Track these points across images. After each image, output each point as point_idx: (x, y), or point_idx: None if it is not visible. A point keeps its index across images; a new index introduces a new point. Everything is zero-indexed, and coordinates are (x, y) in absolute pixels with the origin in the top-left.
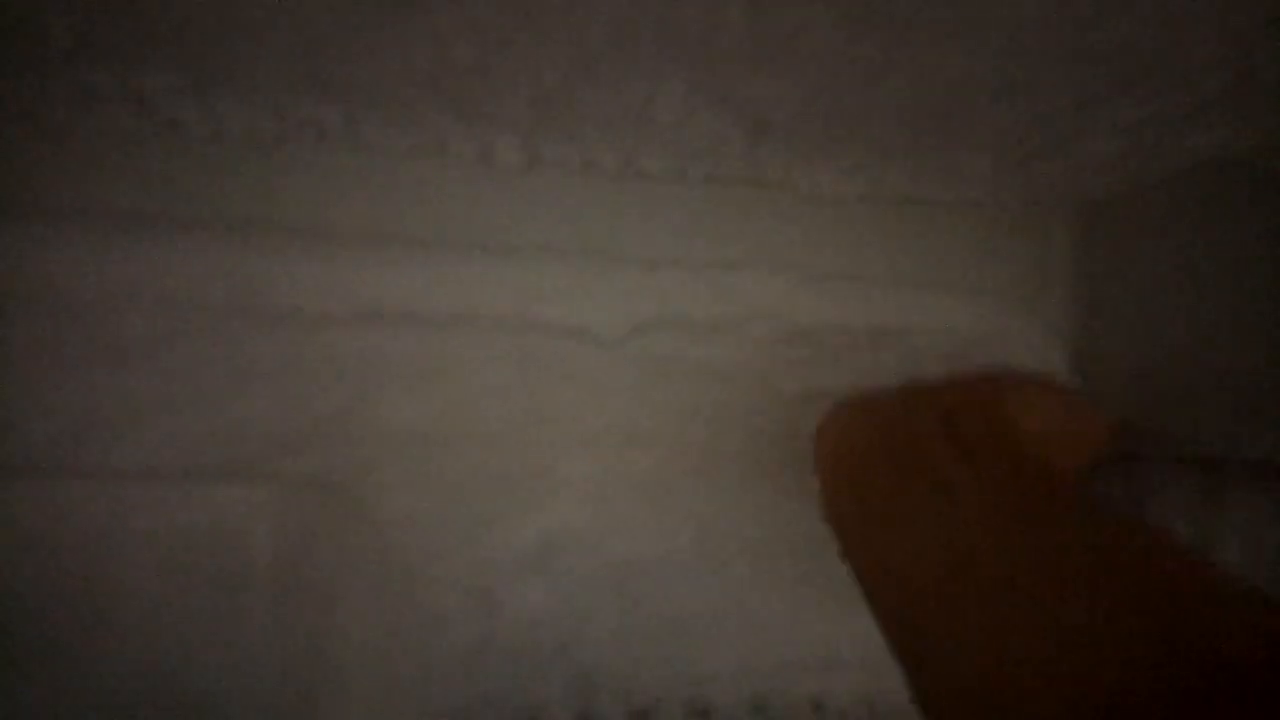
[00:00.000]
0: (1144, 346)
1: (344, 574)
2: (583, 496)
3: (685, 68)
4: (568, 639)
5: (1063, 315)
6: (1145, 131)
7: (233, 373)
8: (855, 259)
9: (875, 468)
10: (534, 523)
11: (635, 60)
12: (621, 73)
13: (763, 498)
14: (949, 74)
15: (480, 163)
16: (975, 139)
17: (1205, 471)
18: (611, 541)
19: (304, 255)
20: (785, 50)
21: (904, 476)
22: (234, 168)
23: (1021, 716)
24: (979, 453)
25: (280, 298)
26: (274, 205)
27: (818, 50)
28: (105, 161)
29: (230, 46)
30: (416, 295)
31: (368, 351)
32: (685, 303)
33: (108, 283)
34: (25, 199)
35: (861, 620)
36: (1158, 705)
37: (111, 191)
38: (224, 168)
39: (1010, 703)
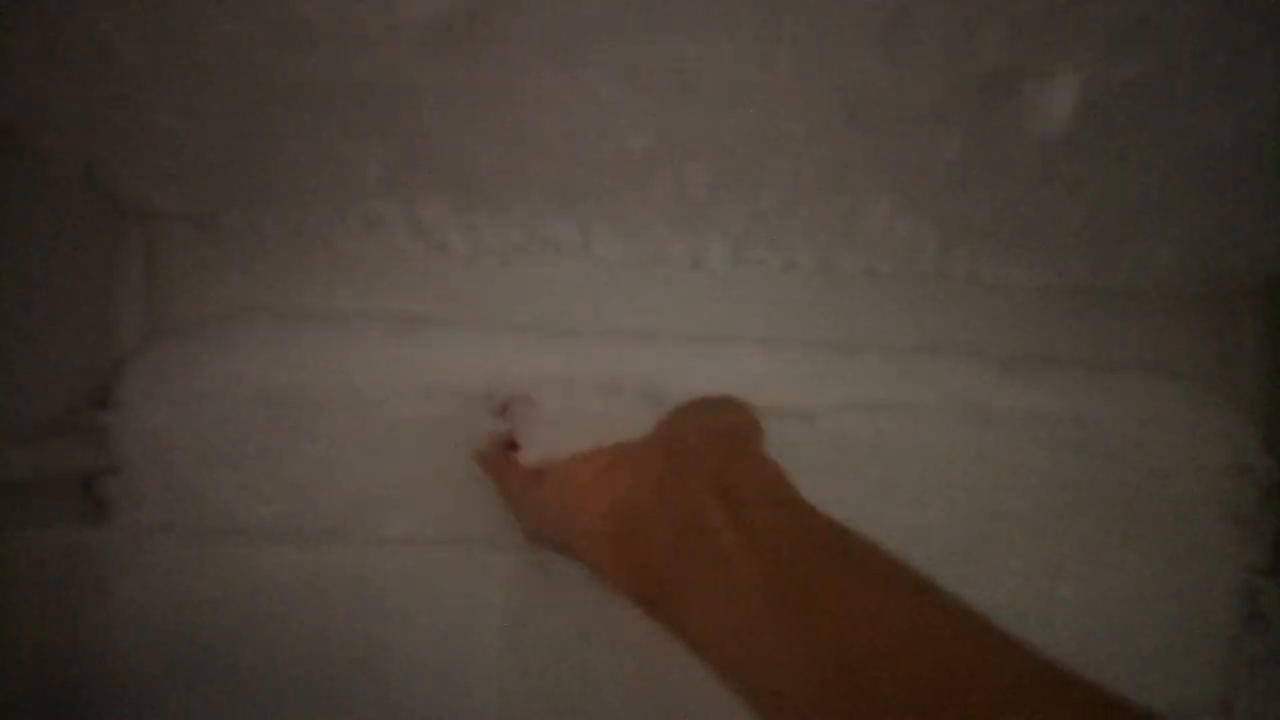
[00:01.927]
0: None
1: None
2: None
3: (891, 188)
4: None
5: (1255, 395)
6: None
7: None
8: (1042, 344)
9: (656, 535)
10: None
11: (847, 182)
12: (831, 192)
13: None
14: (1143, 186)
15: (693, 267)
16: (1162, 235)
17: None
18: None
19: (544, 348)
20: (991, 172)
21: (683, 544)
22: (488, 278)
23: None
24: (753, 513)
25: (508, 384)
26: (520, 308)
27: (1021, 171)
28: (386, 277)
29: (493, 175)
30: (647, 380)
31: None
32: (877, 386)
33: (387, 377)
34: (322, 309)
35: None
36: None
37: (389, 301)
38: (480, 279)
39: None
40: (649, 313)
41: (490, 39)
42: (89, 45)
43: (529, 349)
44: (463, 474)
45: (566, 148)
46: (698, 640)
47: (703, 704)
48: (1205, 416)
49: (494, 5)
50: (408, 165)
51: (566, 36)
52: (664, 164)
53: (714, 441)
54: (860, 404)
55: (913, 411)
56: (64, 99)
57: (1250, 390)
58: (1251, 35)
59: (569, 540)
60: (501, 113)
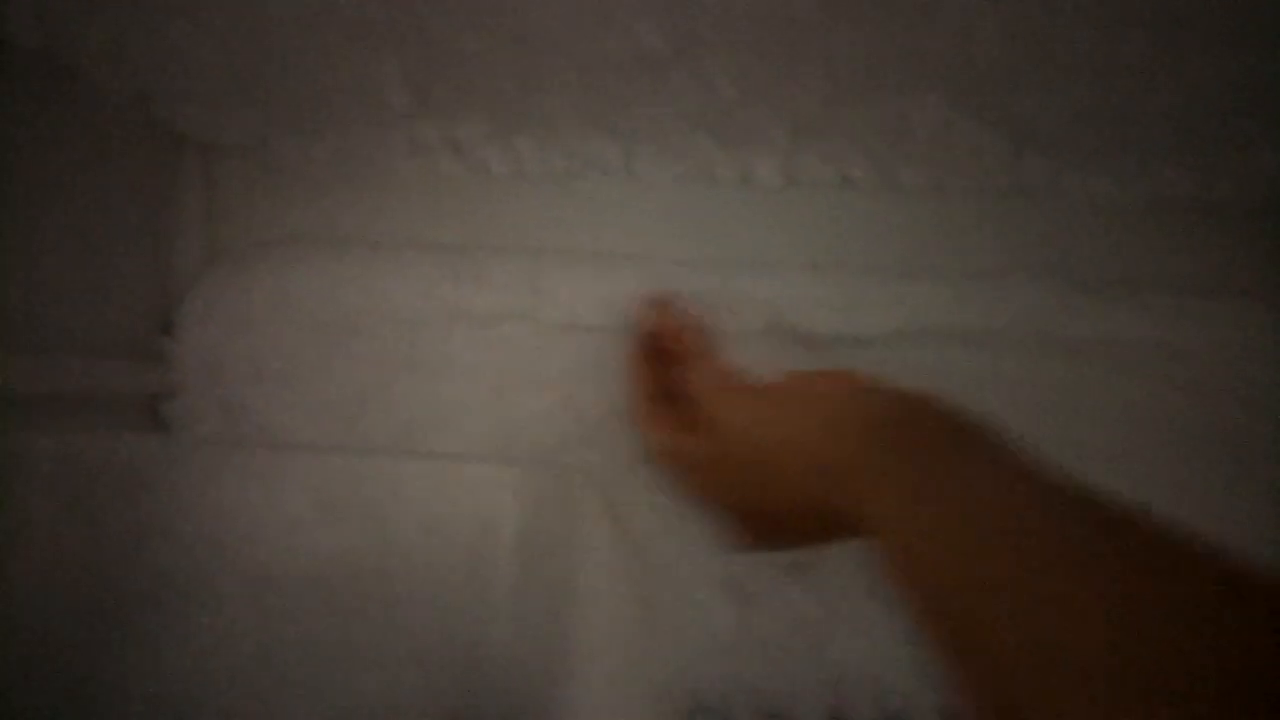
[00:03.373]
0: None
1: (601, 559)
2: None
3: (940, 85)
4: (823, 638)
5: None
6: None
7: (527, 378)
8: (1130, 266)
9: (932, 438)
10: None
11: (886, 82)
12: (875, 94)
13: None
14: (1224, 75)
15: (741, 185)
16: (1265, 138)
17: None
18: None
19: (588, 273)
20: (1043, 61)
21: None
22: (530, 201)
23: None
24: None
25: (565, 311)
26: (562, 232)
27: (1076, 60)
28: (429, 202)
29: (532, 97)
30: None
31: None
32: (943, 312)
33: (431, 302)
34: (365, 235)
35: None
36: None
37: (435, 227)
38: (522, 201)
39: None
40: (697, 236)
41: None
42: None
43: (571, 275)
44: (506, 396)
45: (576, 45)
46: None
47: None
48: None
49: None
50: (431, 78)
51: None
52: (681, 60)
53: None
54: (923, 331)
55: (981, 339)
56: (107, 27)
57: None
58: None
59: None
60: (505, 9)
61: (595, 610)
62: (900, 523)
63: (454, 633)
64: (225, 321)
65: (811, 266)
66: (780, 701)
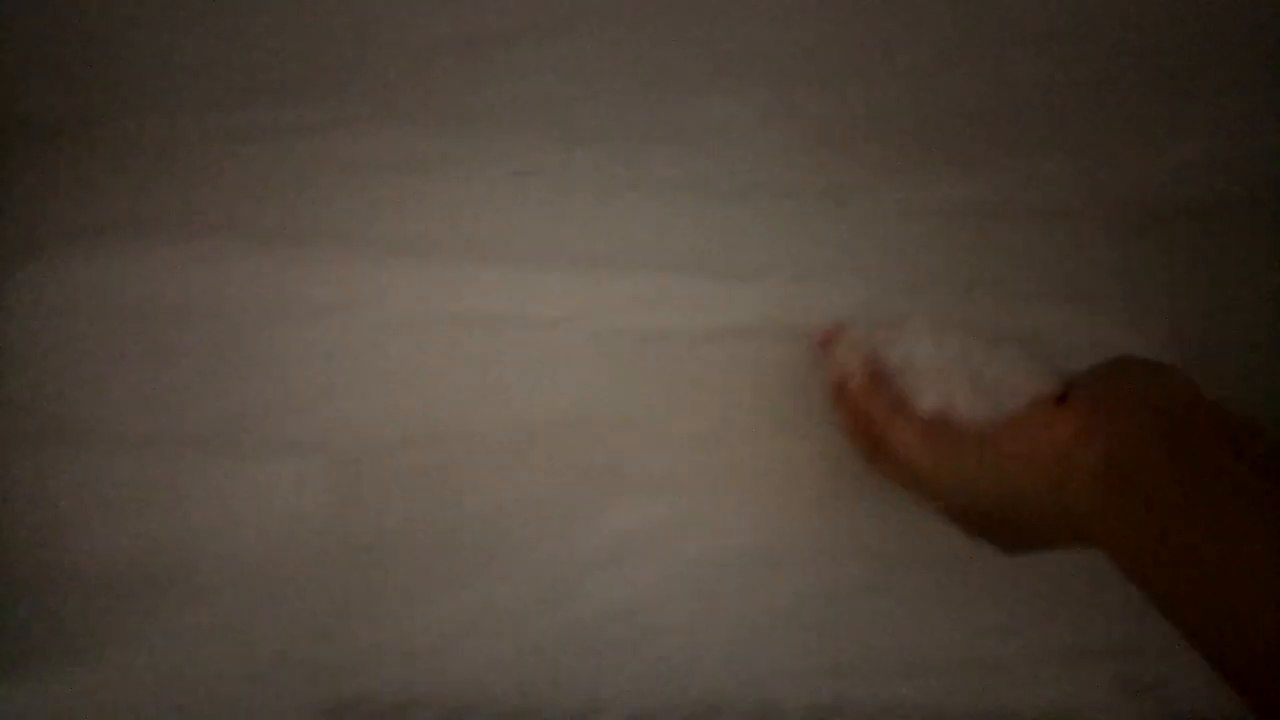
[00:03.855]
0: (1258, 356)
1: (435, 566)
2: (660, 494)
3: (743, 85)
4: (639, 635)
5: (1170, 326)
6: (1225, 132)
7: (351, 375)
8: (949, 268)
9: (1163, 475)
10: (611, 519)
11: (688, 81)
12: (678, 93)
13: (839, 500)
14: (1014, 76)
15: (579, 185)
16: (1055, 144)
17: None
18: (687, 539)
19: (421, 267)
20: (832, 62)
21: (1199, 485)
22: (369, 193)
23: None
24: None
25: (399, 305)
26: (391, 225)
27: (864, 61)
28: (256, 190)
29: (365, 83)
30: (518, 302)
31: (466, 353)
32: (765, 310)
33: (259, 294)
34: (191, 223)
35: (934, 627)
36: None
37: (263, 216)
38: (360, 193)
39: None
40: (526, 232)
41: None
42: None
43: (382, 266)
44: (332, 391)
45: (396, 28)
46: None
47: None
48: (1117, 345)
49: None
50: (259, 62)
51: None
52: (501, 50)
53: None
54: (745, 329)
55: (803, 338)
56: None
57: (1166, 321)
58: None
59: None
60: None
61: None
62: (1138, 562)
63: (254, 628)
64: (43, 312)
65: (647, 265)
66: (593, 701)
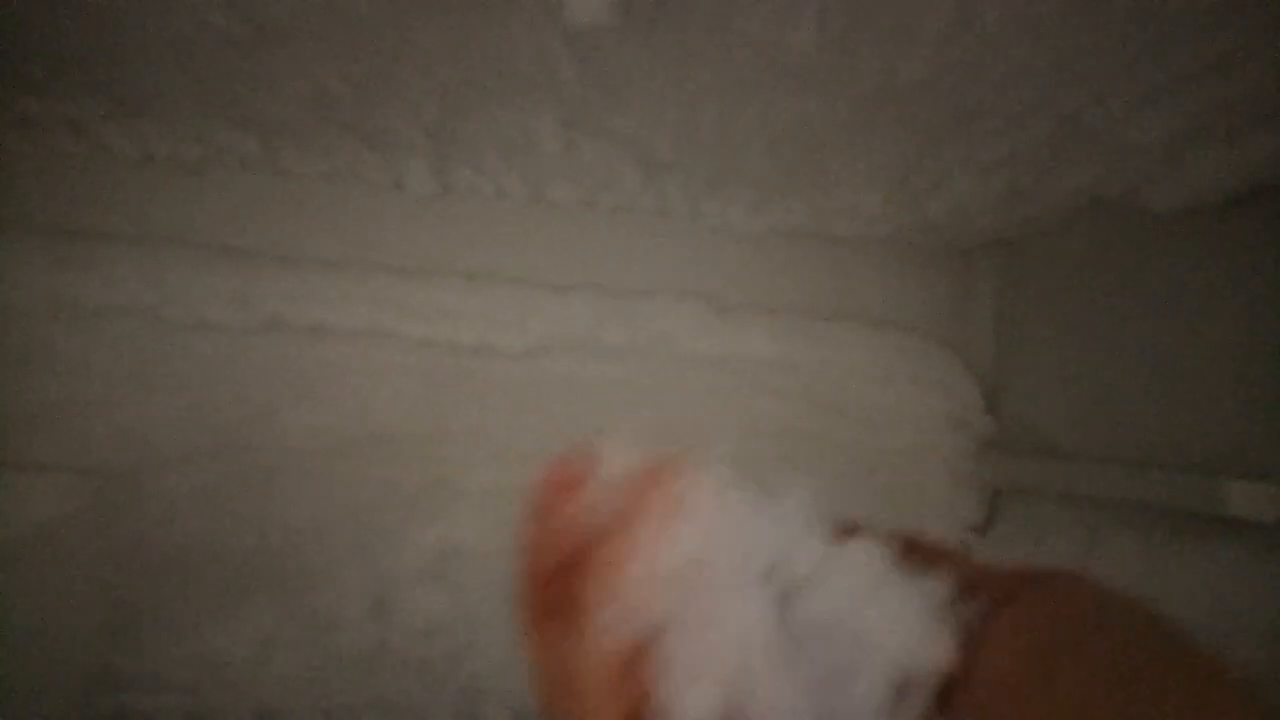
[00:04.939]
0: (1058, 385)
1: (240, 577)
2: (481, 509)
3: (551, 103)
4: (460, 648)
5: (980, 353)
6: (1007, 172)
7: (147, 381)
8: (767, 291)
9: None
10: (432, 534)
11: (495, 97)
12: (486, 108)
13: None
14: (803, 115)
15: (394, 189)
16: (859, 177)
17: (1091, 509)
18: (508, 554)
19: (216, 271)
20: (645, 88)
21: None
22: (159, 190)
23: None
24: None
25: (191, 310)
26: (193, 224)
27: (671, 89)
28: (43, 181)
29: (152, 76)
30: (325, 311)
31: (274, 363)
32: (589, 326)
33: (32, 293)
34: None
35: None
36: None
37: (50, 208)
38: (150, 189)
39: None
40: (346, 238)
41: None
42: None
43: (197, 273)
44: (119, 399)
45: (150, 23)
46: None
47: None
48: (924, 369)
49: None
50: (30, 51)
51: None
52: (268, 47)
53: None
54: (563, 344)
55: (622, 354)
56: None
57: (978, 347)
58: None
59: None
60: None
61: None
62: None
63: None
64: None
65: (462, 275)
66: (416, 713)
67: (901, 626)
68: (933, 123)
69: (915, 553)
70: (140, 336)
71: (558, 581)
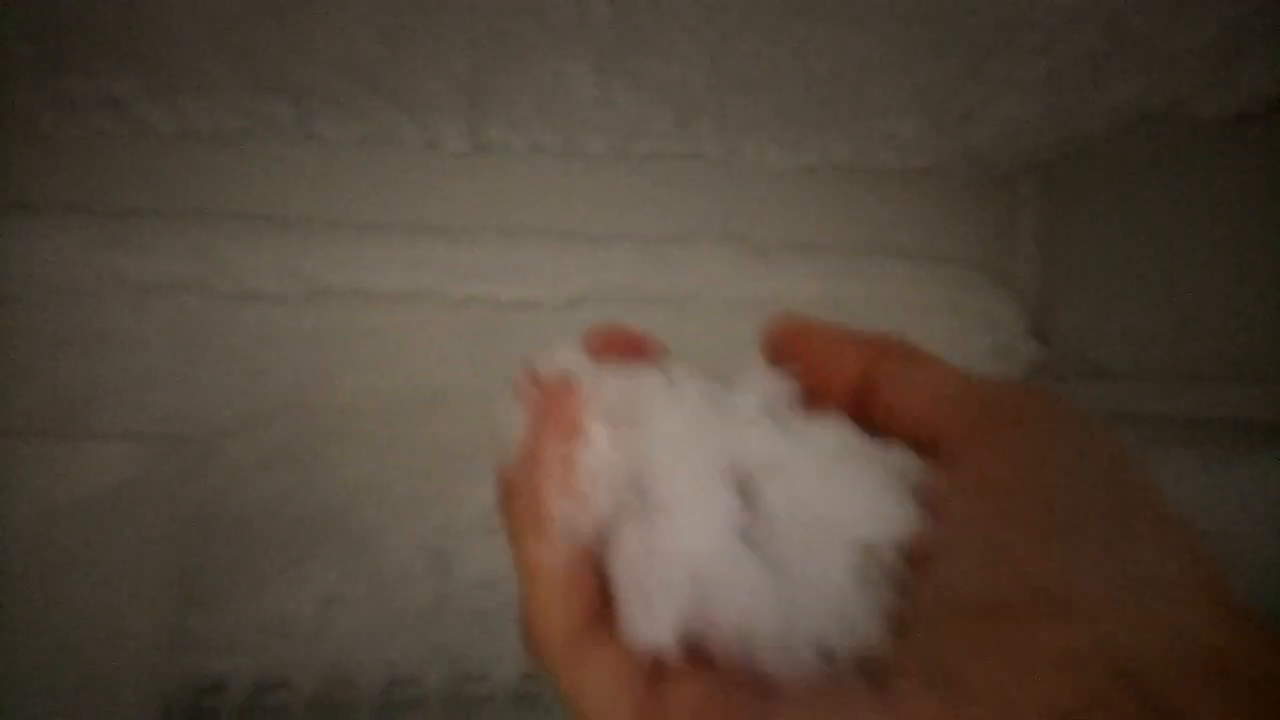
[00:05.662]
0: (1103, 305)
1: (303, 539)
2: None
3: (584, 52)
4: (514, 601)
5: (1026, 279)
6: (1050, 89)
7: (200, 352)
8: (806, 230)
9: None
10: (485, 489)
11: (530, 48)
12: (520, 60)
13: None
14: (841, 45)
15: (428, 150)
16: (899, 105)
17: (1152, 428)
18: None
19: (262, 241)
20: (679, 30)
21: None
22: (201, 163)
23: None
24: None
25: (242, 281)
26: (236, 196)
27: (708, 29)
28: (86, 160)
29: (188, 48)
30: (369, 275)
31: (323, 329)
32: (629, 276)
33: (89, 272)
34: (17, 198)
35: None
36: None
37: (93, 189)
38: (191, 163)
39: None
40: (382, 201)
41: None
42: None
43: (244, 244)
44: (168, 374)
45: None
46: None
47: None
48: (968, 299)
49: None
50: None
51: None
52: (305, 8)
53: None
54: (607, 294)
55: (665, 301)
56: None
57: (1024, 273)
58: None
59: None
60: None
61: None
62: None
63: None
64: None
65: (500, 232)
66: (480, 662)
67: (863, 502)
68: (972, 41)
69: (876, 396)
70: (191, 309)
71: (527, 492)
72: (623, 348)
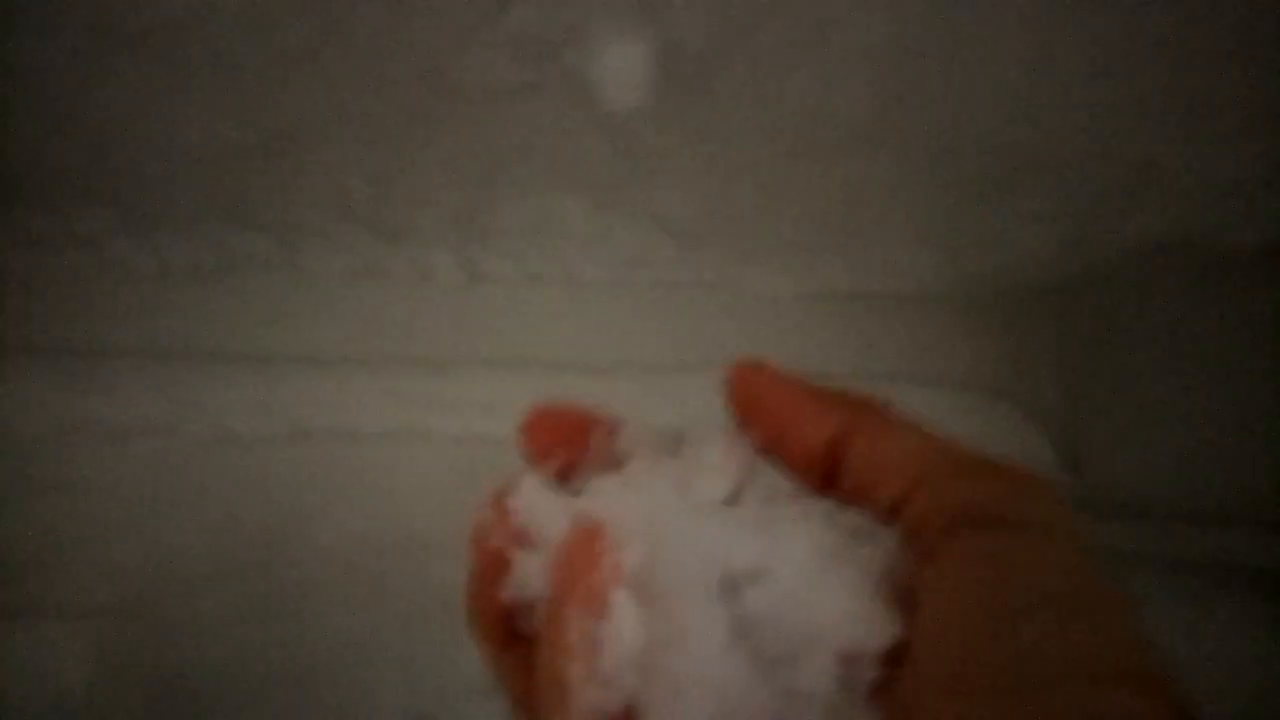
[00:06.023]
0: (1134, 438)
1: (281, 703)
2: None
3: (580, 185)
4: None
5: (1047, 406)
6: (1071, 221)
7: (164, 501)
8: (814, 357)
9: None
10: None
11: (535, 177)
12: (518, 192)
13: None
14: (847, 177)
15: (419, 282)
16: (905, 233)
17: (1192, 575)
18: None
19: (239, 379)
20: (660, 165)
21: None
22: (174, 300)
23: None
24: None
25: (213, 423)
26: (215, 333)
27: (707, 164)
28: (55, 300)
29: (163, 188)
30: (353, 413)
31: (304, 471)
32: (630, 407)
33: (45, 418)
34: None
35: None
36: None
37: (62, 328)
38: (168, 301)
39: None
40: (374, 335)
41: None
42: None
43: (221, 383)
44: (136, 522)
45: (157, 137)
46: None
47: None
48: (987, 426)
49: None
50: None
51: None
52: (289, 151)
53: None
54: None
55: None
56: None
57: (1043, 400)
58: None
59: None
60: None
61: None
62: None
63: None
64: None
65: (494, 364)
66: None
67: (843, 608)
68: (984, 174)
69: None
70: (161, 455)
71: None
72: (568, 437)
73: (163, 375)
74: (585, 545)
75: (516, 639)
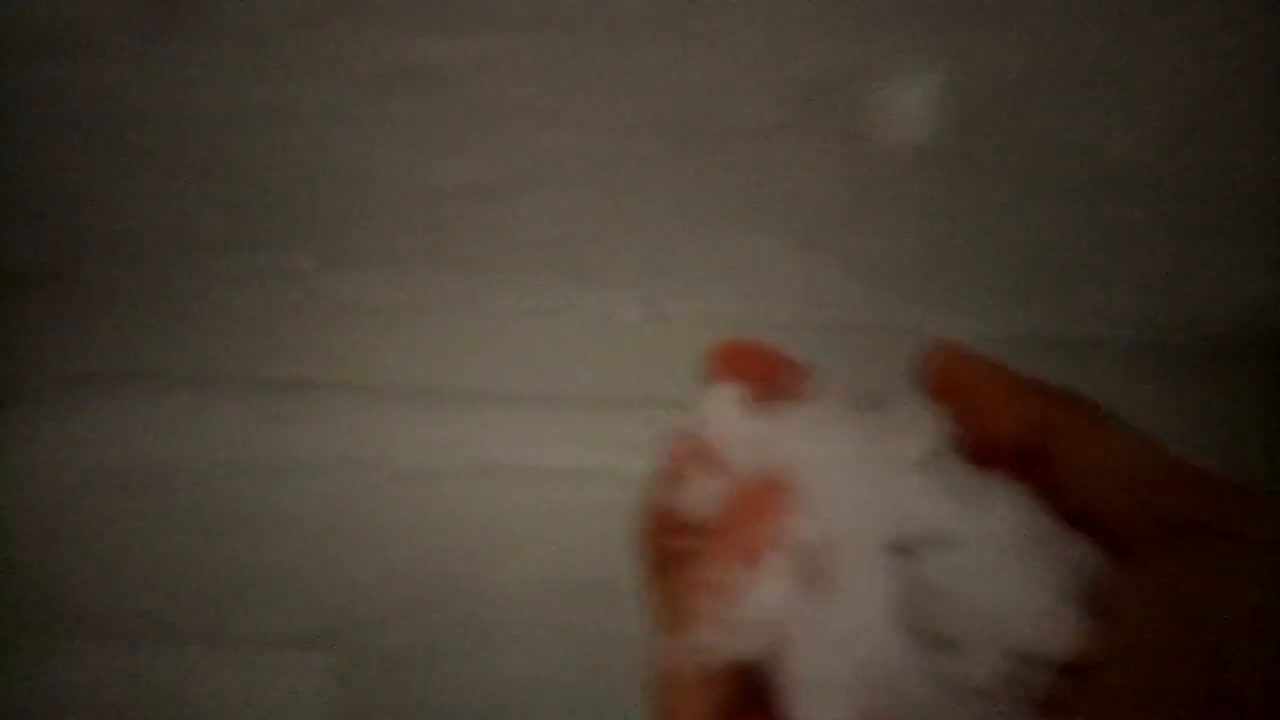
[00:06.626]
0: None
1: None
2: None
3: (785, 225)
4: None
5: (1250, 461)
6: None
7: (357, 533)
8: None
9: None
10: None
11: (732, 220)
12: (721, 232)
13: None
14: (1053, 223)
15: (604, 321)
16: (1118, 279)
17: None
18: None
19: (428, 415)
20: (871, 200)
21: None
22: (370, 335)
23: None
24: None
25: (408, 458)
26: (404, 369)
27: (911, 206)
28: (254, 334)
29: (374, 228)
30: (540, 450)
31: (491, 508)
32: None
33: (247, 450)
34: (170, 372)
35: None
36: None
37: (257, 362)
38: (360, 336)
39: None
40: (553, 373)
41: None
42: None
43: (403, 419)
44: (332, 556)
45: (395, 177)
46: None
47: None
48: None
49: None
50: (247, 210)
51: None
52: (513, 193)
53: None
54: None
55: None
56: None
57: (1246, 454)
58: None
59: None
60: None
61: None
62: None
63: None
64: (12, 473)
65: (677, 404)
66: None
67: (1033, 600)
68: (1200, 220)
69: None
70: (350, 488)
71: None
72: (753, 374)
73: (357, 409)
74: (763, 496)
75: (670, 556)
